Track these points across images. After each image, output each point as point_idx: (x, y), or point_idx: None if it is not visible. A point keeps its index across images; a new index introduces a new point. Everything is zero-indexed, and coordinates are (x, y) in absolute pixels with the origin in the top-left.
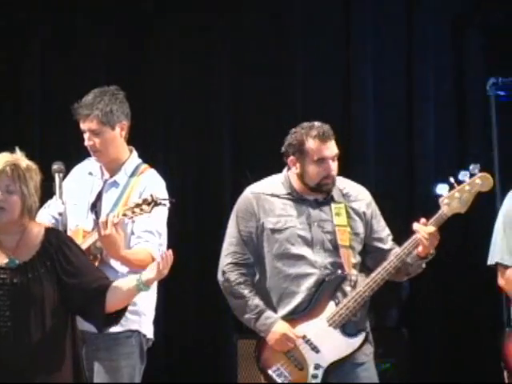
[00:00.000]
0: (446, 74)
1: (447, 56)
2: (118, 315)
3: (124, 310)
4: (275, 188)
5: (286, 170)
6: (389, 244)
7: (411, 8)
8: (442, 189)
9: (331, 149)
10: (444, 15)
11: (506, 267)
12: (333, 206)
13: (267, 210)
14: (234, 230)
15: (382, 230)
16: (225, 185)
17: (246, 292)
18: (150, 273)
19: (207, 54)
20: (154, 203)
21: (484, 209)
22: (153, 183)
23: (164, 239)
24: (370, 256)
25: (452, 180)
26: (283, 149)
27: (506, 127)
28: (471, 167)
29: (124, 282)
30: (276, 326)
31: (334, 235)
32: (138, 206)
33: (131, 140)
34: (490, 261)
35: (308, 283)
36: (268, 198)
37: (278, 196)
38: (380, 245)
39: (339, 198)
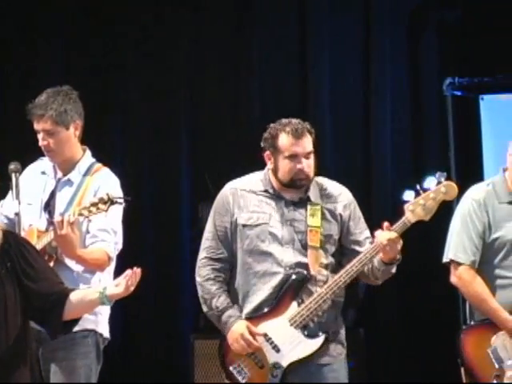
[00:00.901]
0: (402, 74)
1: (403, 56)
2: (72, 322)
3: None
4: (253, 184)
5: (266, 168)
6: (365, 247)
7: (367, 8)
8: (407, 195)
9: (304, 146)
10: (400, 15)
11: (459, 264)
12: (308, 206)
13: (242, 206)
14: (210, 225)
15: (360, 232)
16: (181, 185)
17: (213, 289)
18: (115, 288)
19: (164, 52)
20: (110, 202)
21: (441, 207)
22: (107, 182)
23: (119, 237)
24: (347, 258)
25: (418, 187)
26: (261, 143)
27: (462, 127)
28: (437, 175)
29: (86, 292)
30: (235, 325)
31: (305, 235)
32: (94, 204)
33: (90, 140)
34: (445, 258)
35: (273, 281)
36: (245, 193)
37: (255, 192)
38: (356, 247)
39: (316, 199)
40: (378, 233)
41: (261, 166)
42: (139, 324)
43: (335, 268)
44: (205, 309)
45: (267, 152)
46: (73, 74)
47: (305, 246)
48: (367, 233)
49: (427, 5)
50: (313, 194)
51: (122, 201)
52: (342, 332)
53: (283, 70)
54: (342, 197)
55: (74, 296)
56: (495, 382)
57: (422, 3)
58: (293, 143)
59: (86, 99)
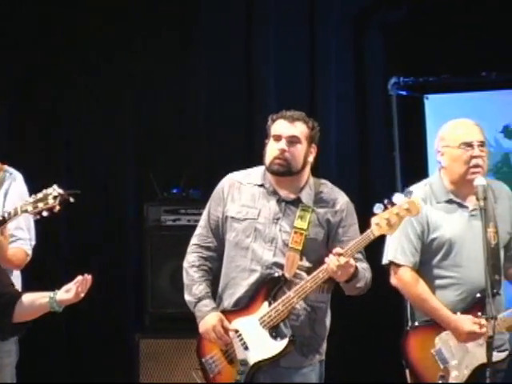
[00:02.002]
0: (347, 73)
1: (349, 56)
2: (22, 325)
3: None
4: (253, 177)
5: None
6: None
7: (312, 8)
8: (377, 208)
9: (289, 129)
10: (345, 15)
11: (399, 266)
12: (299, 208)
13: (235, 199)
14: (205, 213)
15: (348, 240)
16: (127, 185)
17: (196, 276)
18: (65, 294)
19: (112, 51)
20: (60, 197)
21: None
22: (12, 178)
23: (33, 234)
24: None
25: (386, 201)
26: None
27: (407, 126)
28: (405, 191)
29: (36, 296)
30: (209, 315)
31: (289, 236)
32: (40, 200)
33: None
34: (385, 260)
35: (250, 279)
36: (241, 186)
37: (252, 185)
38: None
39: (308, 201)
40: (327, 260)
41: (208, 165)
42: (84, 323)
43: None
44: (185, 295)
45: (265, 141)
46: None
47: (286, 247)
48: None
49: (372, 5)
50: (306, 196)
51: (66, 196)
52: (322, 338)
53: (229, 70)
54: (336, 203)
55: (25, 298)
56: (440, 382)
57: (368, 3)
58: (279, 124)
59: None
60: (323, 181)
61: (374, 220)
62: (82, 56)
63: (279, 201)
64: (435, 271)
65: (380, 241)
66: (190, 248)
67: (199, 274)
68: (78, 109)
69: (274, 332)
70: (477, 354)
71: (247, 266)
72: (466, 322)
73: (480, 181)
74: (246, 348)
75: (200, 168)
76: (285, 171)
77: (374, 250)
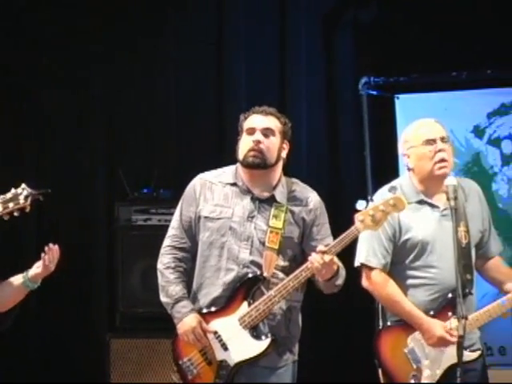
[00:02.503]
0: (318, 73)
1: (319, 56)
2: (6, 316)
3: (13, 309)
4: (224, 176)
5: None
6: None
7: (283, 8)
8: (360, 205)
9: (263, 121)
10: (315, 15)
11: (371, 269)
12: (273, 207)
13: (207, 198)
14: (177, 214)
15: (322, 239)
16: (97, 184)
17: (172, 277)
18: (36, 269)
19: (81, 48)
20: (31, 195)
21: (355, 209)
22: None
23: None
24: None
25: (370, 198)
26: None
27: (377, 126)
28: (389, 187)
29: (11, 280)
30: (188, 317)
31: (264, 235)
32: (10, 200)
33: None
34: (356, 262)
35: (227, 278)
36: (213, 186)
37: (224, 184)
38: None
39: (282, 200)
40: (311, 258)
41: (179, 165)
42: (55, 323)
43: (293, 271)
44: (161, 296)
45: (238, 138)
46: None
47: (262, 246)
48: (329, 240)
49: (342, 5)
50: (279, 194)
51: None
52: (296, 338)
53: (199, 70)
54: (309, 201)
55: (1, 286)
56: (413, 381)
57: (338, 3)
58: (252, 117)
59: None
60: (294, 179)
61: (358, 216)
62: (53, 55)
63: (253, 199)
64: (408, 272)
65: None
66: (164, 249)
67: (175, 276)
68: (48, 108)
69: (255, 332)
70: (449, 353)
71: (223, 265)
72: (438, 327)
73: (450, 180)
74: (226, 349)
75: (170, 168)
76: (260, 163)
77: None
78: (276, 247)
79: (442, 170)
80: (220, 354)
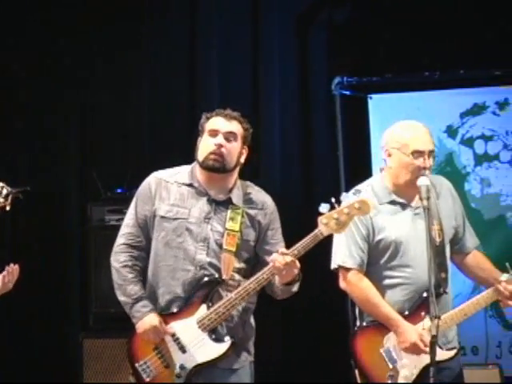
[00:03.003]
0: (291, 73)
1: (292, 56)
2: None
3: None
4: (180, 176)
5: (195, 161)
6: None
7: (256, 8)
8: (323, 208)
9: (227, 125)
10: (288, 14)
11: (348, 270)
12: (230, 209)
13: (163, 197)
14: (132, 212)
15: (276, 244)
16: (70, 184)
17: (130, 276)
18: None
19: (59, 48)
20: (11, 194)
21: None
22: None
23: None
24: (260, 266)
25: (333, 200)
26: None
27: (350, 126)
28: (353, 190)
29: None
30: (149, 316)
31: (221, 237)
32: None
33: None
34: (333, 264)
35: (183, 279)
36: (168, 185)
37: (179, 184)
38: (267, 258)
39: (238, 202)
40: (273, 258)
41: (152, 165)
42: (27, 323)
43: (248, 274)
44: (118, 295)
45: (198, 139)
46: None
47: (220, 248)
48: (282, 245)
49: (316, 4)
50: (235, 196)
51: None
52: (251, 338)
53: (172, 70)
54: (265, 205)
55: None
56: (390, 381)
57: (311, 3)
58: (215, 120)
59: None
60: (248, 182)
61: (322, 220)
62: (28, 54)
63: (209, 201)
64: (383, 272)
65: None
66: (119, 248)
67: (133, 275)
68: (21, 107)
69: (214, 334)
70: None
71: (179, 265)
72: (413, 334)
73: (423, 181)
74: (184, 351)
75: (144, 168)
76: (219, 167)
77: (317, 250)
78: (233, 249)
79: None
80: (178, 357)
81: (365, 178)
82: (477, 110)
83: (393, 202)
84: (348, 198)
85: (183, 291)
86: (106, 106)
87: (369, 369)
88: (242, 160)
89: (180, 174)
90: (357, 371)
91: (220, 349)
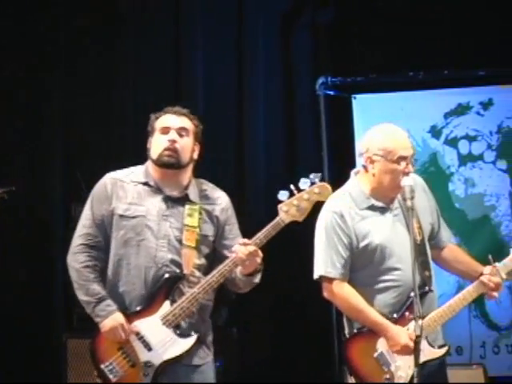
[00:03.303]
0: (275, 73)
1: (277, 56)
2: None
3: None
4: (134, 175)
5: (148, 161)
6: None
7: (240, 8)
8: (282, 195)
9: (178, 121)
10: (273, 15)
11: (331, 280)
12: (187, 205)
13: (120, 197)
14: (88, 213)
15: (233, 238)
16: (53, 184)
17: (91, 276)
18: None
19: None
20: None
21: (315, 208)
22: None
23: None
24: (218, 262)
25: (292, 187)
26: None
27: (335, 126)
28: (312, 176)
29: None
30: (115, 314)
31: (181, 233)
32: None
33: None
34: (316, 275)
35: (146, 277)
36: (124, 185)
37: (135, 183)
38: (226, 253)
39: (195, 199)
40: (235, 248)
41: (134, 165)
42: (11, 323)
43: (207, 271)
44: (80, 295)
45: (148, 139)
46: None
47: (180, 244)
48: (240, 240)
49: (300, 5)
50: (192, 193)
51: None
52: (211, 335)
53: (156, 71)
54: (221, 200)
55: None
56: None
57: (295, 3)
58: (165, 117)
59: None
60: (202, 180)
61: (282, 207)
62: (11, 55)
63: (165, 198)
64: (373, 277)
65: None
66: (77, 248)
67: (94, 275)
68: (4, 108)
69: (179, 330)
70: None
71: (140, 263)
72: (403, 335)
73: (407, 181)
74: (150, 349)
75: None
76: (174, 163)
77: (299, 252)
78: (193, 245)
79: (397, 187)
80: (144, 355)
81: (349, 178)
82: (461, 110)
83: (372, 207)
84: (307, 184)
85: (145, 289)
86: (90, 107)
87: (365, 375)
88: (195, 156)
89: (134, 173)
90: (352, 378)
91: (186, 344)
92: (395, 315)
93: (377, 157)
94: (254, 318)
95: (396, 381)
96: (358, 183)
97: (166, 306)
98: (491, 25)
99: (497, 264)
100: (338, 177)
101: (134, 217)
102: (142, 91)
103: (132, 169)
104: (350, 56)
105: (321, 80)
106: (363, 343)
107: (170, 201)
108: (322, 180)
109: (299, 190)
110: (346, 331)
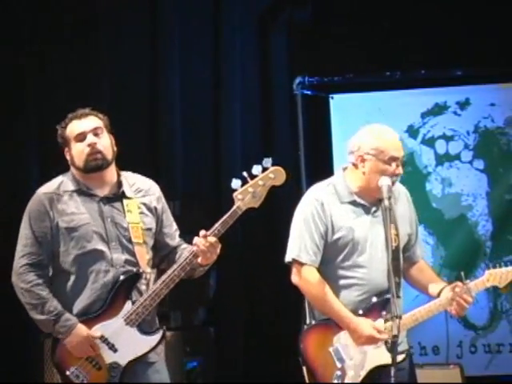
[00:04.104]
0: (252, 73)
1: (254, 56)
2: None
3: None
4: (65, 185)
5: (71, 169)
6: (176, 240)
7: (217, 8)
8: (235, 184)
9: (87, 124)
10: (250, 15)
11: (302, 264)
12: (124, 202)
13: (60, 210)
14: (27, 232)
15: (170, 225)
16: (31, 185)
17: (44, 294)
18: None
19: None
20: None
21: (289, 208)
22: None
23: None
24: (159, 252)
25: (245, 174)
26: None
27: (312, 126)
28: (264, 161)
29: None
30: (77, 328)
31: (128, 232)
32: None
33: None
34: (287, 258)
35: (105, 280)
36: (60, 197)
37: (69, 193)
38: (168, 240)
39: (130, 194)
40: (196, 241)
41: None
42: None
43: (155, 264)
44: (34, 314)
45: (65, 149)
46: None
47: (130, 242)
48: (175, 226)
49: (277, 4)
50: (126, 188)
51: None
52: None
53: (132, 71)
54: (153, 190)
55: None
56: (336, 381)
57: (272, 3)
58: (76, 124)
59: None
60: (128, 172)
61: (237, 196)
62: None
63: (102, 200)
64: (338, 271)
65: (286, 240)
66: (22, 269)
67: (46, 292)
68: None
69: (142, 328)
70: (374, 355)
71: (97, 268)
72: (366, 326)
73: (385, 181)
74: (115, 350)
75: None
76: (103, 163)
77: (276, 248)
78: (141, 241)
79: (380, 181)
80: (109, 357)
81: (326, 178)
82: (438, 109)
83: (353, 203)
84: (259, 170)
85: (106, 292)
86: (66, 107)
87: (316, 367)
88: (115, 148)
89: (64, 183)
90: (305, 369)
91: (153, 340)
92: (360, 312)
93: (368, 156)
94: (232, 318)
95: (346, 379)
96: (344, 178)
97: (127, 306)
98: (468, 24)
99: (468, 282)
100: (314, 176)
101: (80, 226)
102: (118, 90)
103: (59, 179)
104: (328, 56)
105: (298, 80)
106: (320, 335)
107: (108, 201)
108: (274, 165)
109: (252, 177)
110: (307, 321)
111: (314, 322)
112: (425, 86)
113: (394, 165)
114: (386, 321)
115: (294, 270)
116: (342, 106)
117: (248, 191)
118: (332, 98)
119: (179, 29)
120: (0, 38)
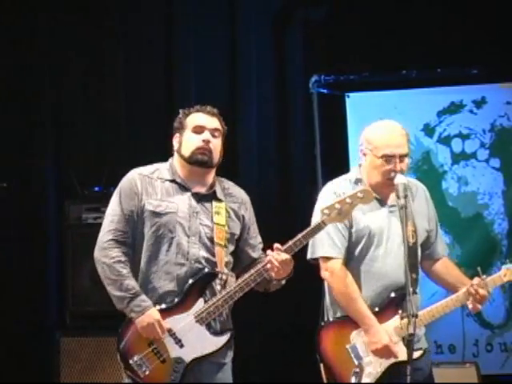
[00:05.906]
0: (268, 72)
1: (269, 55)
2: None
3: None
4: (160, 173)
5: (171, 158)
6: (257, 253)
7: (233, 7)
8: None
9: (211, 121)
10: (266, 14)
11: (329, 259)
12: (214, 203)
13: (150, 193)
14: (116, 208)
15: (255, 237)
16: (47, 183)
17: (124, 271)
18: None
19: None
20: None
21: (306, 208)
22: None
23: None
24: (239, 260)
25: (337, 191)
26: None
27: (328, 124)
28: (355, 180)
29: None
30: (151, 310)
31: (211, 231)
32: None
33: None
34: (311, 255)
35: (178, 273)
36: (152, 181)
37: (162, 180)
38: (250, 252)
39: (221, 196)
40: (269, 256)
41: (129, 164)
42: (4, 322)
43: (233, 268)
44: (112, 290)
45: (175, 135)
46: None
47: (211, 242)
48: (260, 238)
49: (293, 3)
50: (218, 190)
51: None
52: (233, 333)
53: (149, 70)
54: (244, 199)
55: None
56: (354, 378)
57: (288, 2)
58: (199, 117)
59: None
60: (222, 178)
61: (324, 210)
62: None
63: (193, 195)
64: (353, 264)
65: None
66: (107, 243)
67: (126, 270)
68: None
69: (212, 328)
70: None
71: (172, 259)
72: (385, 336)
73: (400, 179)
74: (182, 346)
75: (121, 166)
76: (208, 161)
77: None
78: (223, 243)
79: (390, 185)
80: (175, 352)
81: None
82: (454, 108)
83: None
84: (346, 188)
85: (177, 285)
86: (82, 105)
87: (334, 364)
88: (222, 156)
89: (159, 170)
90: (322, 366)
91: (219, 341)
92: (376, 309)
93: (367, 150)
94: (247, 316)
95: (364, 377)
96: (359, 173)
97: (199, 304)
98: (484, 23)
99: (485, 277)
100: (330, 175)
101: (165, 213)
102: (133, 90)
103: (155, 166)
104: (344, 54)
105: (314, 78)
106: (337, 333)
107: (199, 198)
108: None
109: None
110: (325, 319)
111: (331, 319)
112: (441, 85)
113: (391, 163)
114: (402, 318)
115: (323, 266)
116: (358, 105)
117: (334, 207)
118: (348, 96)
119: (194, 29)
120: (15, 38)
